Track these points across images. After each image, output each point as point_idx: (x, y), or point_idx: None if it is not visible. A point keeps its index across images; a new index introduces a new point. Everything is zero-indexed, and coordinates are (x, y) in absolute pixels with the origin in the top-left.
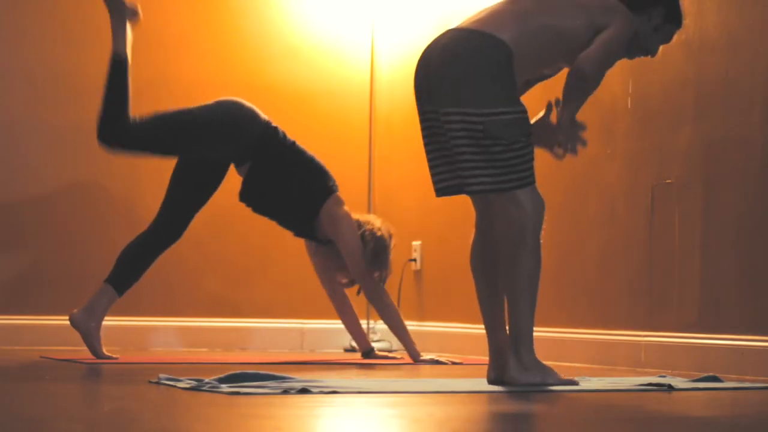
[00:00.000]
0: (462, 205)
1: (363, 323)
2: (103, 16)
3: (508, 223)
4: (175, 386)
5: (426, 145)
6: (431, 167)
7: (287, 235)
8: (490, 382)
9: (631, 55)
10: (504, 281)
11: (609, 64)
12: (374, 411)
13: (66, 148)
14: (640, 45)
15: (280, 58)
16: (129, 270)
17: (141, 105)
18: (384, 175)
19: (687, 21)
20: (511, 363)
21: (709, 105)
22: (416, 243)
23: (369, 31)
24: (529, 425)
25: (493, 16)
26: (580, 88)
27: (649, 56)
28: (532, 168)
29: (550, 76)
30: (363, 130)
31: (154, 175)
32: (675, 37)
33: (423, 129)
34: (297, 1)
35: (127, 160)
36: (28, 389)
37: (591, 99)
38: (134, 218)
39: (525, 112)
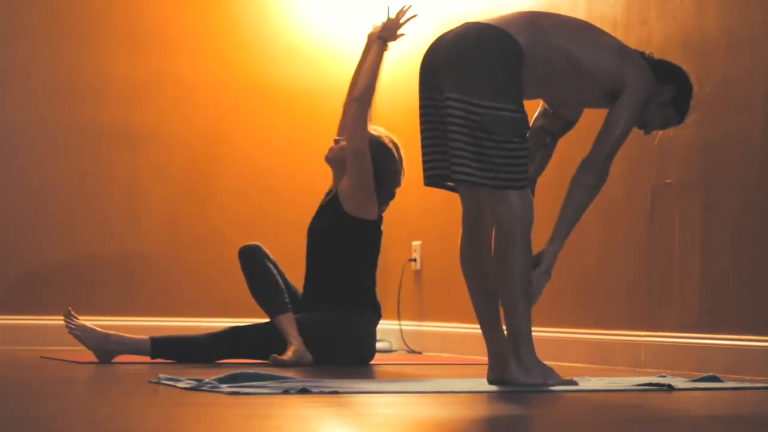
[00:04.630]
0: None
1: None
2: (102, 17)
3: (497, 223)
4: (175, 386)
5: (422, 132)
6: (424, 155)
7: (288, 235)
8: (491, 382)
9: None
10: (497, 283)
11: (619, 146)
12: (374, 411)
13: (66, 148)
14: (641, 115)
15: (280, 58)
16: (177, 342)
17: (141, 105)
18: None
19: (687, 20)
20: (512, 364)
21: (709, 105)
22: (416, 243)
23: (369, 31)
24: (529, 426)
25: (512, 19)
26: (583, 200)
27: (643, 132)
28: (523, 172)
29: (565, 127)
30: None
31: (154, 175)
32: (675, 37)
33: (421, 116)
34: (297, 1)
35: (126, 161)
36: (28, 389)
37: None
38: (134, 218)
39: (525, 115)
